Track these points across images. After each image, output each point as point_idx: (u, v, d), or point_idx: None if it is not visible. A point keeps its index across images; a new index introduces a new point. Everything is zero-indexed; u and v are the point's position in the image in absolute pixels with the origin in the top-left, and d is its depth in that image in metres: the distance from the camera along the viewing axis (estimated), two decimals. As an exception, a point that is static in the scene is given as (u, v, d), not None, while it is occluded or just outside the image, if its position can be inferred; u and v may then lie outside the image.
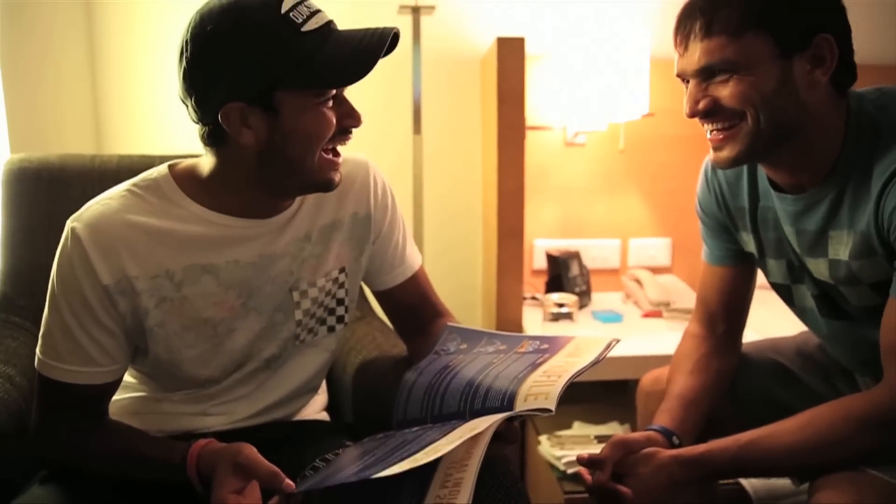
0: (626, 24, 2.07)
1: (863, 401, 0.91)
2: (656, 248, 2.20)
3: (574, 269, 1.98)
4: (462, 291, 2.16)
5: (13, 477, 0.99)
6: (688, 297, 1.93)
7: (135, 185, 0.94)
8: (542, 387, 0.86)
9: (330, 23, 0.88)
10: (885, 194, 0.88)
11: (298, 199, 1.00)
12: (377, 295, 1.17)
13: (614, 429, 1.73)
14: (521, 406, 0.85)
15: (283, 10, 0.84)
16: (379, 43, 0.87)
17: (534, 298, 2.04)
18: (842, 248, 0.96)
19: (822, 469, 0.92)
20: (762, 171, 1.05)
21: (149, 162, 1.33)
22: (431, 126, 2.01)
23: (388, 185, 1.10)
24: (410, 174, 1.92)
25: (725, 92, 0.91)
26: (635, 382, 1.33)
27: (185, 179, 0.95)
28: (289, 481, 0.80)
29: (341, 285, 1.06)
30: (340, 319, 1.09)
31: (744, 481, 1.44)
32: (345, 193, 1.03)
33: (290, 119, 0.86)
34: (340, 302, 1.07)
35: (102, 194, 0.94)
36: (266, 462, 0.82)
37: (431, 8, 1.88)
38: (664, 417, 1.08)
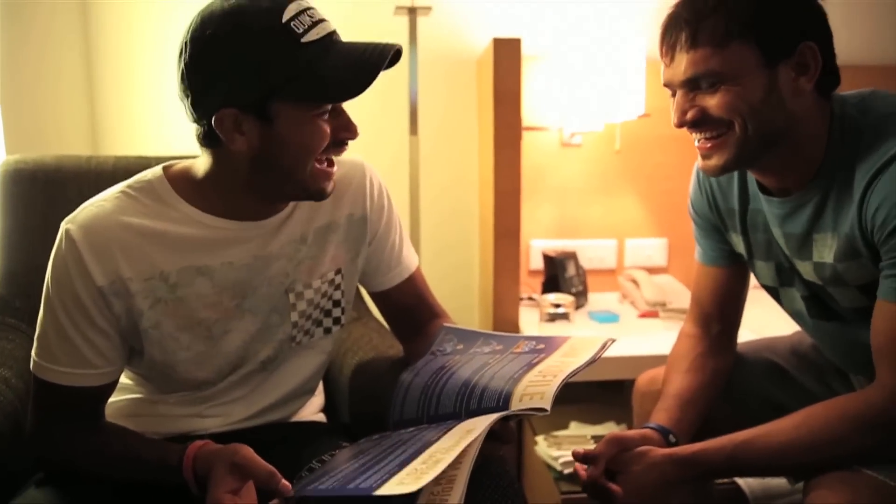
0: (622, 24, 2.08)
1: (857, 400, 0.92)
2: (652, 249, 2.21)
3: (570, 270, 1.99)
4: (459, 292, 2.16)
5: (9, 479, 0.99)
6: (684, 298, 1.93)
7: (129, 186, 0.94)
8: (538, 386, 0.86)
9: (332, 34, 0.88)
10: (867, 196, 0.89)
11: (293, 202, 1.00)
12: (374, 296, 1.17)
13: (611, 429, 1.73)
14: (516, 406, 0.85)
15: (284, 19, 0.83)
16: (379, 59, 0.86)
17: (530, 299, 2.04)
18: (826, 250, 0.97)
19: (816, 468, 0.92)
20: (751, 175, 1.06)
21: (145, 163, 1.33)
22: (428, 127, 2.01)
23: (384, 186, 1.10)
24: (407, 175, 1.93)
25: (713, 102, 0.92)
26: (632, 382, 1.33)
27: (180, 181, 0.95)
28: (285, 482, 0.80)
29: (337, 287, 1.06)
30: (337, 321, 1.09)
31: (740, 481, 1.45)
32: (340, 195, 1.03)
33: (284, 129, 0.86)
34: (336, 303, 1.07)
35: (97, 196, 0.94)
36: (263, 462, 0.82)
37: (428, 9, 1.88)
38: (661, 416, 1.08)
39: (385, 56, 0.86)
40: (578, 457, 1.01)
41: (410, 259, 1.15)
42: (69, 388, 0.91)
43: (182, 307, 0.94)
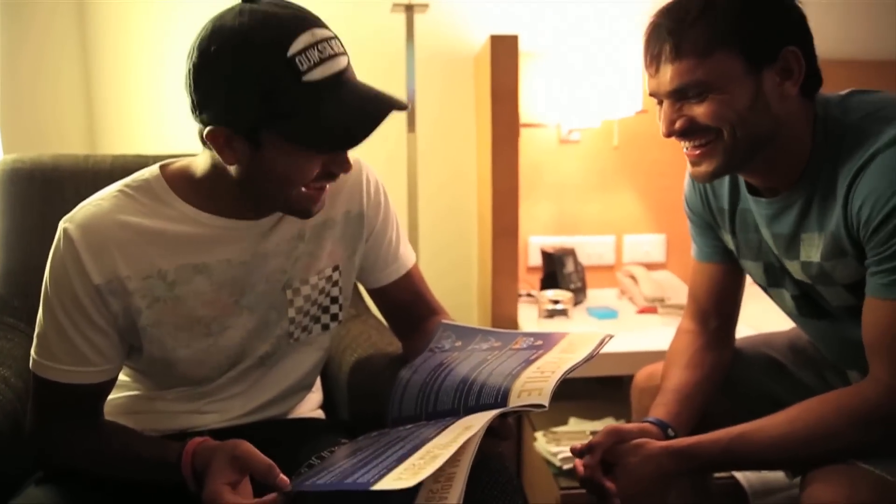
0: (619, 21, 2.08)
1: (851, 395, 0.92)
2: (651, 245, 2.21)
3: (569, 266, 1.99)
4: (457, 289, 2.16)
5: (9, 477, 0.99)
6: (682, 293, 1.93)
7: (126, 185, 0.95)
8: (536, 383, 0.86)
9: (342, 72, 0.84)
10: (851, 194, 0.90)
11: None
12: (371, 293, 1.18)
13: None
14: (514, 402, 0.86)
15: (290, 52, 0.80)
16: (375, 118, 0.84)
17: (529, 295, 2.04)
18: (813, 249, 0.98)
19: (812, 462, 0.93)
20: (741, 176, 1.06)
21: (143, 162, 1.33)
22: (425, 124, 2.01)
23: (381, 183, 1.10)
24: (405, 172, 1.93)
25: (700, 110, 0.92)
26: (630, 378, 1.33)
27: (177, 180, 0.95)
28: (283, 477, 0.81)
29: (335, 283, 1.07)
30: (335, 317, 1.09)
31: (738, 475, 1.45)
32: (337, 192, 1.03)
33: (270, 158, 0.85)
34: (334, 300, 1.08)
35: (94, 195, 0.94)
36: (262, 456, 0.82)
37: (425, 6, 1.88)
38: (659, 410, 1.08)
39: (385, 113, 0.84)
40: (577, 452, 1.01)
41: (408, 256, 1.15)
42: (69, 386, 0.92)
43: (180, 305, 0.95)
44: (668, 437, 1.03)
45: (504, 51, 1.75)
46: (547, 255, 2.01)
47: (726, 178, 1.09)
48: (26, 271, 1.27)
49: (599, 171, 2.15)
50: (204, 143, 0.89)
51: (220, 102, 0.83)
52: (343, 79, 0.84)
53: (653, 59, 0.94)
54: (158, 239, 0.92)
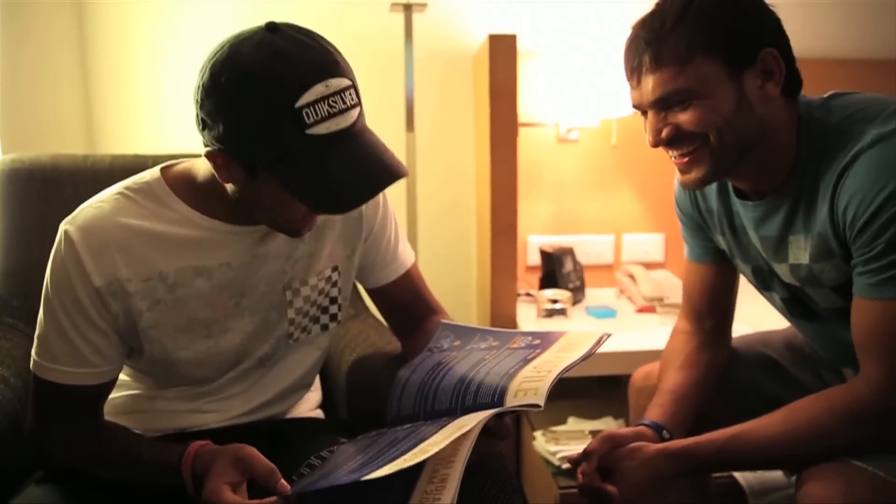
0: (617, 19, 2.08)
1: (843, 393, 0.92)
2: (650, 244, 2.21)
3: (568, 265, 1.99)
4: (456, 288, 2.16)
5: (8, 477, 0.99)
6: (681, 292, 1.93)
7: (127, 187, 0.95)
8: (533, 382, 0.87)
9: (349, 128, 0.81)
10: (836, 194, 0.90)
11: None
12: (370, 292, 1.18)
13: (608, 424, 1.74)
14: (510, 401, 0.86)
15: (299, 103, 0.77)
16: (375, 186, 0.83)
17: (528, 295, 2.04)
18: (801, 252, 0.98)
19: (807, 461, 0.93)
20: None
21: (141, 162, 1.33)
22: (424, 123, 2.02)
23: None
24: (403, 171, 1.92)
25: (685, 118, 0.92)
26: (629, 377, 1.33)
27: (178, 183, 0.95)
28: (283, 482, 0.81)
29: (334, 284, 1.07)
30: (334, 318, 1.09)
31: (737, 475, 1.45)
32: None
33: (262, 191, 0.85)
34: (334, 300, 1.08)
35: (95, 197, 0.95)
36: (265, 460, 0.82)
37: (423, 5, 1.88)
38: (655, 412, 1.09)
39: (385, 184, 0.84)
40: (573, 461, 1.01)
41: (406, 255, 1.15)
42: (69, 387, 0.92)
43: (181, 307, 0.95)
44: (663, 439, 1.04)
45: (502, 50, 1.75)
46: (546, 255, 2.01)
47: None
48: (25, 271, 1.27)
49: (598, 171, 2.15)
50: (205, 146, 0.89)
51: (222, 131, 0.81)
52: (350, 133, 0.82)
53: (633, 71, 0.95)
54: (159, 241, 0.93)
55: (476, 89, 2.03)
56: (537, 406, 0.82)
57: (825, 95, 0.98)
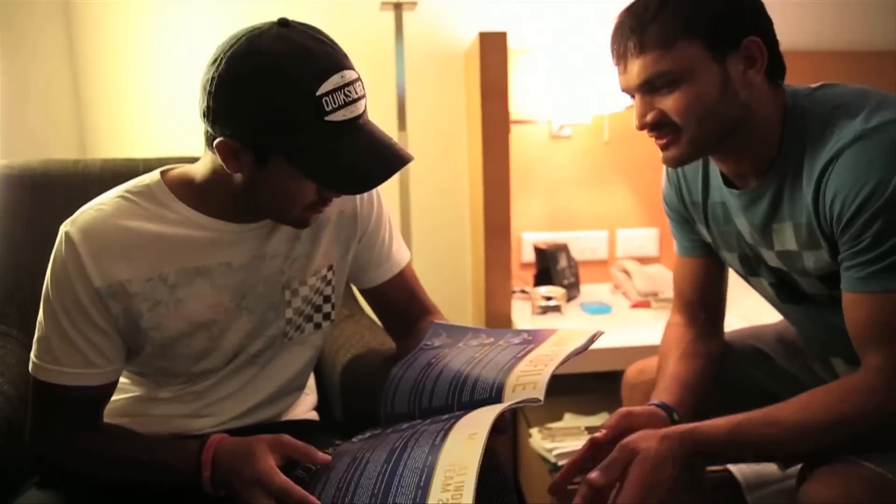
0: (608, 15, 2.08)
1: (855, 384, 0.90)
2: (644, 239, 2.21)
3: (562, 262, 1.99)
4: (451, 287, 2.17)
5: (3, 483, 0.99)
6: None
7: (127, 190, 0.96)
8: (530, 376, 0.87)
9: (359, 117, 0.86)
10: (822, 187, 0.91)
11: None
12: (365, 293, 1.18)
13: (605, 420, 1.73)
14: (509, 396, 0.86)
15: (319, 92, 0.82)
16: (390, 167, 0.87)
17: (523, 292, 2.04)
18: (787, 239, 0.99)
19: (819, 451, 0.91)
20: (714, 168, 1.08)
21: (133, 165, 1.33)
22: (416, 122, 2.02)
23: None
24: (396, 171, 1.92)
25: (670, 103, 0.94)
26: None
27: (178, 184, 0.96)
28: (324, 455, 0.87)
29: (328, 283, 1.07)
30: (327, 316, 1.09)
31: (733, 468, 1.45)
32: None
33: (273, 177, 0.87)
34: (327, 299, 1.08)
35: (95, 199, 0.95)
36: (299, 441, 0.88)
37: (413, 4, 1.87)
38: (664, 395, 1.08)
39: (399, 166, 0.88)
40: (558, 486, 0.98)
41: (401, 255, 1.15)
42: (70, 389, 0.92)
43: (181, 308, 0.96)
44: (672, 421, 1.03)
45: (493, 48, 1.75)
46: (540, 251, 2.01)
47: (699, 173, 1.11)
48: (18, 277, 1.27)
49: (591, 167, 2.16)
50: (210, 146, 0.89)
51: (238, 120, 0.84)
52: (359, 123, 0.87)
53: (619, 57, 0.97)
54: (159, 242, 0.93)
55: (468, 87, 2.03)
56: (537, 401, 0.82)
57: (814, 85, 0.99)
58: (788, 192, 0.97)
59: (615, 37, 0.98)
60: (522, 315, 1.88)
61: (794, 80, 1.00)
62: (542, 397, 0.82)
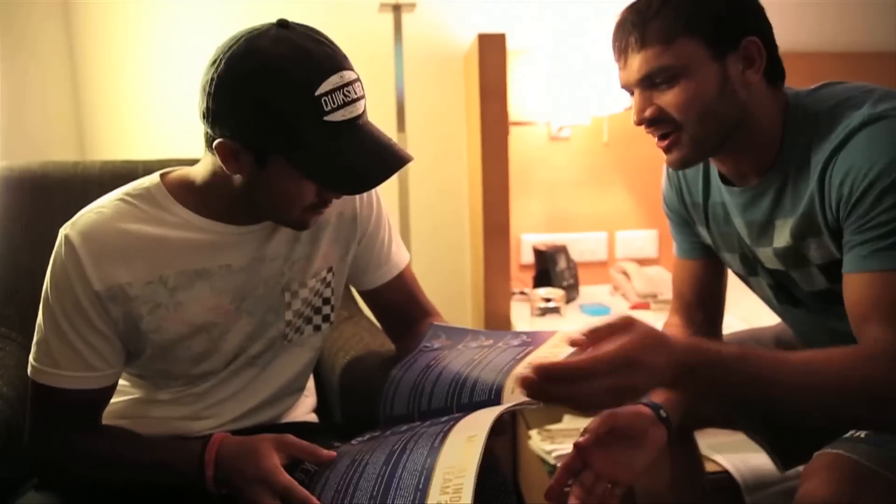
0: (607, 17, 2.08)
1: (870, 353, 0.84)
2: (643, 240, 2.21)
3: (561, 263, 1.99)
4: (450, 288, 2.17)
5: (2, 486, 0.99)
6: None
7: (127, 193, 0.96)
8: None
9: (358, 118, 0.86)
10: (829, 172, 0.91)
11: None
12: (364, 295, 1.18)
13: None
14: (508, 398, 0.86)
15: (318, 92, 0.82)
16: (389, 167, 0.87)
17: (522, 293, 2.04)
18: (787, 233, 0.99)
19: (815, 414, 0.85)
20: (714, 168, 1.08)
21: (132, 167, 1.33)
22: (415, 123, 2.02)
23: None
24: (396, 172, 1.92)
25: (669, 99, 0.94)
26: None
27: (177, 187, 0.96)
28: (328, 452, 0.88)
29: (328, 284, 1.07)
30: (326, 318, 1.09)
31: (731, 468, 1.46)
32: None
33: (273, 178, 0.87)
34: (326, 301, 1.08)
35: (95, 202, 0.95)
36: (303, 441, 0.89)
37: (412, 5, 1.88)
38: (653, 395, 1.08)
39: (398, 166, 0.88)
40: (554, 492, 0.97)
41: (400, 256, 1.16)
42: (70, 392, 0.92)
43: (181, 311, 0.96)
44: (660, 418, 1.03)
45: (492, 49, 1.75)
46: (539, 253, 2.01)
47: (700, 173, 1.12)
48: (17, 279, 1.27)
49: (590, 168, 2.16)
50: (210, 147, 0.89)
51: (238, 120, 0.84)
52: (358, 123, 0.87)
53: (620, 52, 0.97)
54: (159, 245, 0.93)
55: (467, 89, 2.03)
56: (536, 402, 0.82)
57: (814, 86, 1.00)
58: (792, 187, 0.97)
59: (617, 32, 0.98)
60: (521, 316, 1.88)
61: (794, 81, 1.00)
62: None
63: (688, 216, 1.17)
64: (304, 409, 1.19)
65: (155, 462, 0.91)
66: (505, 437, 1.41)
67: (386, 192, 1.12)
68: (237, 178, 0.89)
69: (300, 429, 1.11)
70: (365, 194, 1.08)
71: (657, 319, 1.79)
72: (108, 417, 1.01)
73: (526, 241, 2.16)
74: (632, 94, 0.99)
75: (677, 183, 1.17)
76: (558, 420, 1.75)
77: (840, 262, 0.92)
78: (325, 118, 0.82)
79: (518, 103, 2.06)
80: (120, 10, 1.95)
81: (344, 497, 0.79)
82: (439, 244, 2.16)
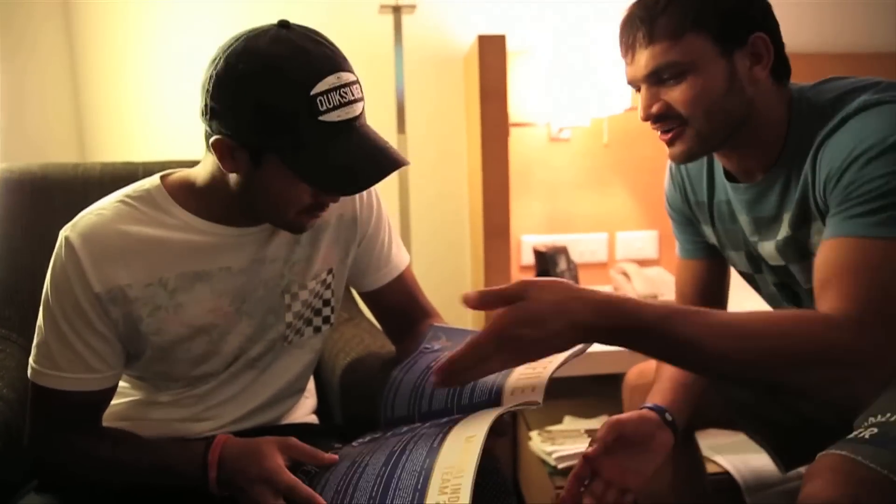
0: (607, 18, 2.08)
1: (816, 316, 0.82)
2: (643, 241, 2.21)
3: (562, 264, 1.99)
4: (450, 289, 2.16)
5: (2, 487, 0.99)
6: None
7: (127, 195, 0.96)
8: (529, 379, 0.87)
9: (355, 119, 0.86)
10: (819, 157, 0.91)
11: None
12: (364, 296, 1.18)
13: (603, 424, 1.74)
14: (508, 398, 0.86)
15: (314, 91, 0.82)
16: (382, 169, 0.87)
17: (522, 294, 2.04)
18: (787, 224, 0.99)
19: (754, 377, 0.82)
20: (719, 166, 1.08)
21: (132, 169, 1.33)
22: (416, 125, 2.02)
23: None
24: (396, 174, 1.92)
25: (676, 95, 0.95)
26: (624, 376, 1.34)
27: (177, 189, 0.96)
28: (330, 455, 0.88)
29: (328, 286, 1.07)
30: (326, 320, 1.09)
31: (732, 469, 1.46)
32: None
33: (267, 178, 0.87)
34: (326, 303, 1.08)
35: (95, 204, 0.95)
36: (305, 444, 0.89)
37: (412, 7, 1.88)
38: (656, 398, 1.08)
39: (392, 168, 0.88)
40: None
41: (400, 258, 1.16)
42: (70, 394, 0.92)
43: (181, 313, 0.96)
44: (665, 422, 1.04)
45: (492, 50, 1.75)
46: (539, 254, 2.01)
47: (704, 171, 1.11)
48: (17, 281, 1.27)
49: (590, 169, 2.16)
50: (209, 147, 0.89)
51: (234, 118, 0.84)
52: (355, 124, 0.86)
53: (628, 48, 0.97)
54: (159, 247, 0.93)
55: (467, 90, 2.03)
56: (536, 403, 0.82)
57: (812, 83, 1.00)
58: (796, 178, 0.97)
59: (624, 28, 0.98)
60: (522, 318, 1.87)
61: (795, 82, 1.01)
62: (541, 400, 0.82)
63: (692, 215, 1.17)
64: (305, 410, 1.18)
65: (157, 464, 0.91)
66: (505, 438, 1.41)
67: (386, 194, 1.12)
68: (233, 177, 0.89)
69: (300, 430, 1.11)
70: (365, 196, 1.08)
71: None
72: (108, 419, 1.01)
73: (526, 242, 2.16)
74: (638, 89, 0.99)
75: (681, 182, 1.17)
76: (559, 421, 1.76)
77: None
78: (321, 118, 0.82)
79: (518, 104, 2.06)
80: (120, 10, 1.95)
81: (343, 497, 0.79)
82: (439, 245, 2.16)
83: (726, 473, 1.47)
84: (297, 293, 1.03)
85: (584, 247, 2.18)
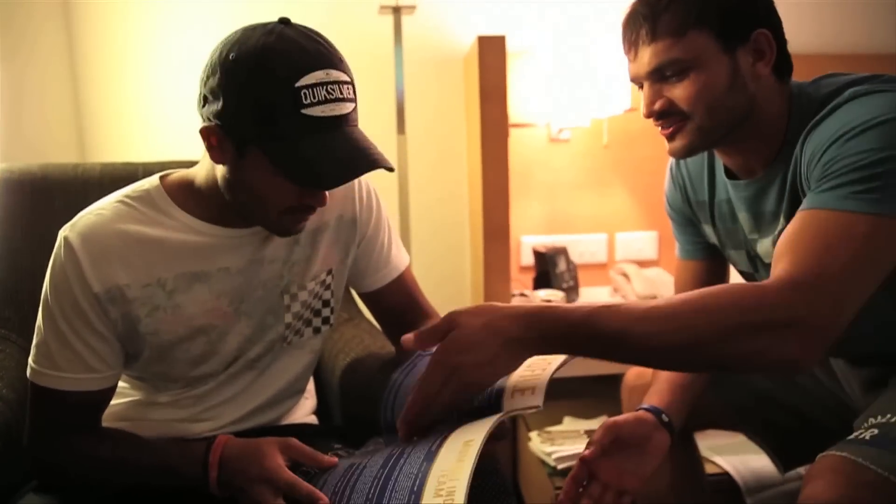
0: (606, 19, 2.08)
1: (754, 294, 0.78)
2: (643, 242, 2.21)
3: (561, 265, 1.99)
4: (450, 290, 2.16)
5: (2, 488, 0.99)
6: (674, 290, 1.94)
7: (126, 195, 0.96)
8: (528, 381, 0.87)
9: (341, 118, 0.85)
10: (806, 142, 0.92)
11: None
12: (364, 297, 1.18)
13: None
14: (508, 400, 0.86)
15: (298, 83, 0.81)
16: (353, 169, 0.85)
17: (522, 295, 2.04)
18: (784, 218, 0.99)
19: (685, 358, 0.79)
20: (719, 165, 1.08)
21: (132, 170, 1.33)
22: (415, 125, 2.02)
23: (373, 186, 1.11)
24: (395, 174, 1.93)
25: (679, 92, 0.95)
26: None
27: (176, 190, 0.96)
28: (331, 458, 0.88)
29: (327, 287, 1.07)
30: (326, 321, 1.09)
31: (731, 469, 1.46)
32: (330, 196, 1.03)
33: (250, 172, 0.87)
34: (326, 303, 1.08)
35: (94, 204, 0.95)
36: (306, 446, 0.89)
37: (412, 8, 1.88)
38: (654, 399, 1.09)
39: (364, 170, 0.86)
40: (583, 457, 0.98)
41: (400, 259, 1.16)
42: (69, 394, 0.92)
43: (180, 313, 0.96)
44: (662, 423, 1.04)
45: (492, 51, 1.75)
46: (539, 255, 2.01)
47: (704, 171, 1.12)
48: (17, 281, 1.27)
49: (590, 170, 2.16)
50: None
51: (221, 105, 0.84)
52: (340, 123, 0.85)
53: (631, 45, 0.98)
54: (158, 247, 0.94)
55: (466, 91, 2.03)
56: (536, 407, 0.82)
57: (818, 77, 1.00)
58: (791, 171, 0.97)
59: (627, 25, 0.98)
60: (522, 318, 1.87)
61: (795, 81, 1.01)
62: (541, 403, 0.82)
63: (692, 215, 1.17)
64: (304, 411, 1.18)
65: (157, 464, 0.91)
66: (505, 439, 1.41)
67: (386, 194, 1.12)
68: (220, 170, 0.89)
69: (300, 431, 1.11)
70: (365, 197, 1.08)
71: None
72: (107, 419, 1.01)
73: (526, 242, 2.16)
74: (641, 86, 0.99)
75: (682, 182, 1.17)
76: (558, 422, 1.76)
77: None
78: (304, 111, 0.82)
79: (518, 105, 2.06)
80: (120, 10, 1.95)
81: (341, 499, 0.80)
82: (439, 246, 2.16)
83: (726, 474, 1.47)
84: (296, 294, 1.03)
85: (583, 247, 2.18)
